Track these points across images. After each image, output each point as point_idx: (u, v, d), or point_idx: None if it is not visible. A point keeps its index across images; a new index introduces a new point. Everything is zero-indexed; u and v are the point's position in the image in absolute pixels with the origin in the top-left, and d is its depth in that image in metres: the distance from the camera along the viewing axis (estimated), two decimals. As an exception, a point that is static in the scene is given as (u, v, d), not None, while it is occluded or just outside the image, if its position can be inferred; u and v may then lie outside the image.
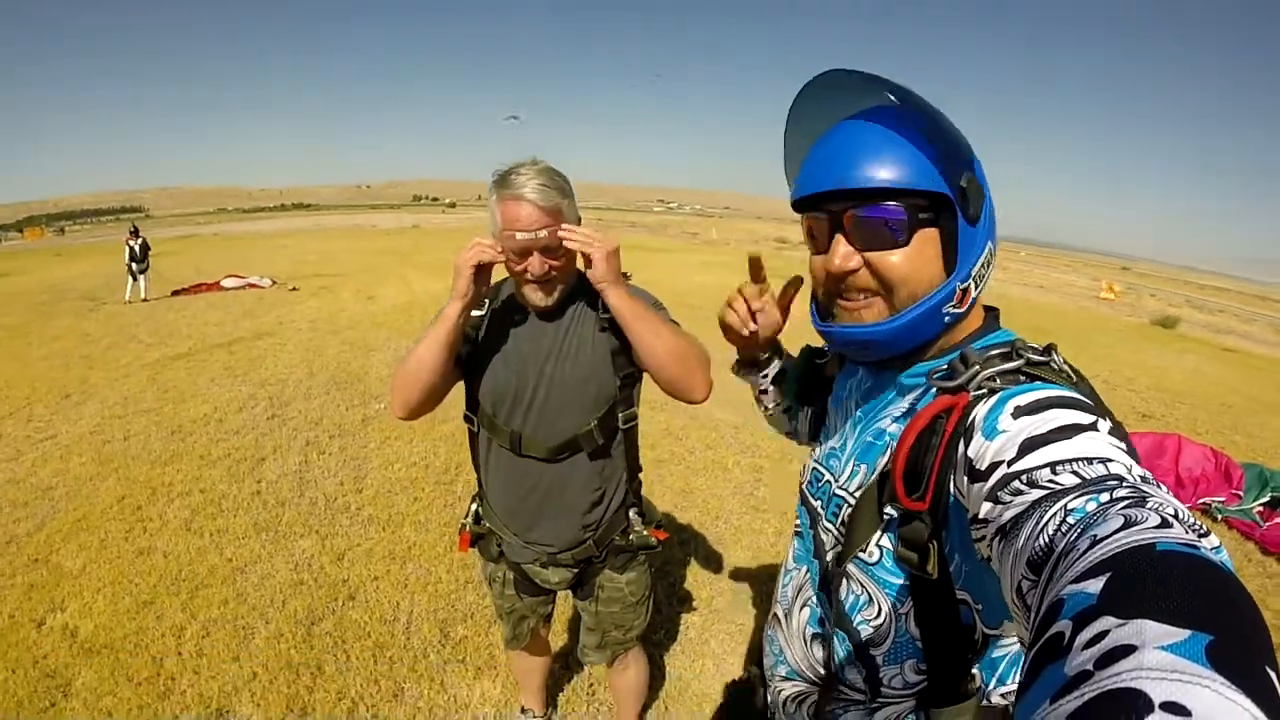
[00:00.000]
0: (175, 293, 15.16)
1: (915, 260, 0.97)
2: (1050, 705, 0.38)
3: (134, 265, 14.86)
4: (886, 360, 1.09)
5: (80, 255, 31.95)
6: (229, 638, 3.19)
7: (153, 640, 3.17)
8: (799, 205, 1.06)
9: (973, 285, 0.99)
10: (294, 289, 15.41)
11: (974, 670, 1.04)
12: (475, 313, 1.86)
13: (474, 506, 2.13)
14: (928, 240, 0.97)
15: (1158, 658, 0.36)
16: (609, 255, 1.66)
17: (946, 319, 1.00)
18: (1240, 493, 4.88)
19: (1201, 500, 4.83)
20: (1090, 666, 0.38)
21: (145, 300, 14.20)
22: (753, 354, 1.51)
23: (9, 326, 11.32)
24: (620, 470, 1.99)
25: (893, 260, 0.97)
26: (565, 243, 1.65)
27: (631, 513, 2.05)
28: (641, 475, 2.13)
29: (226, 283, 15.83)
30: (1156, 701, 0.33)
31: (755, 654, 3.20)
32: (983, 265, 0.99)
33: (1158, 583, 0.43)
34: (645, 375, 1.88)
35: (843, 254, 1.00)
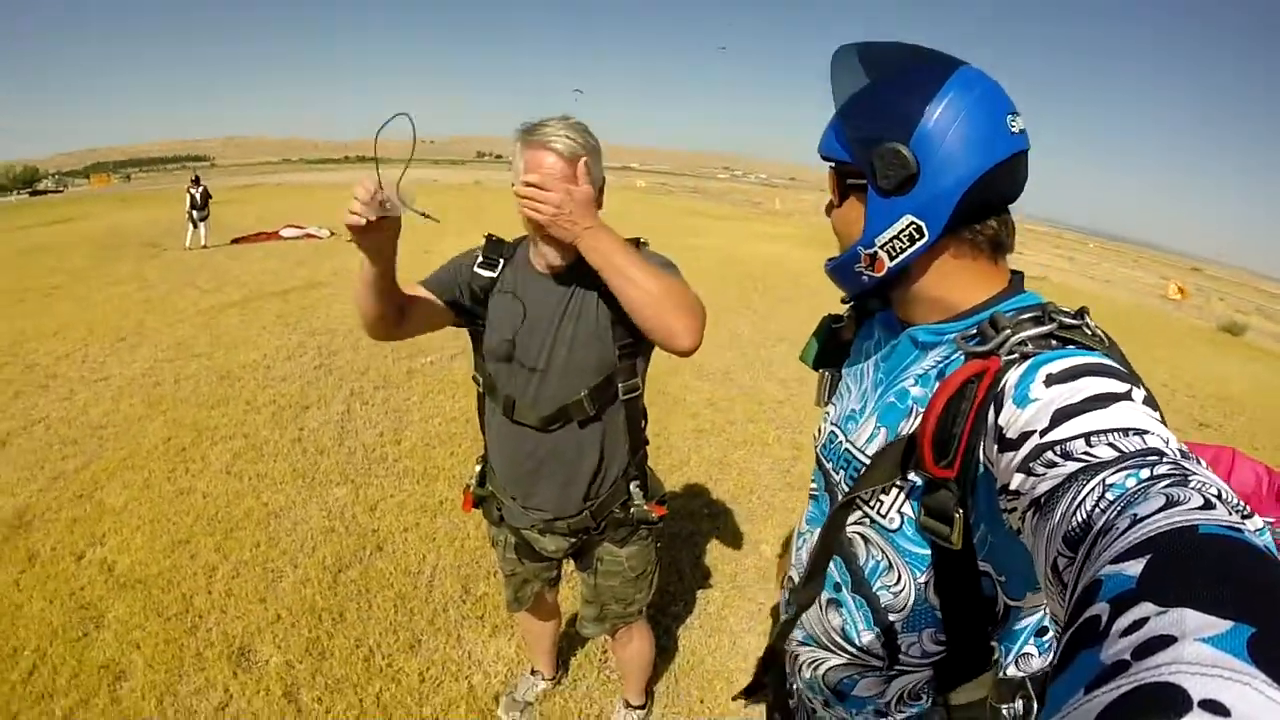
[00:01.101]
0: (235, 241, 15.41)
1: (843, 219, 1.08)
2: (1085, 695, 0.37)
3: (194, 213, 15.08)
4: (903, 317, 1.12)
5: (145, 202, 32.74)
6: (257, 580, 3.25)
7: (185, 578, 3.25)
8: None
9: (884, 255, 1.01)
10: (350, 240, 15.58)
11: (994, 642, 1.04)
12: (486, 273, 1.84)
13: (479, 468, 2.11)
14: (853, 204, 1.04)
15: (1197, 651, 0.34)
16: (561, 209, 1.53)
17: (864, 279, 1.07)
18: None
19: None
20: (1128, 656, 0.37)
21: (205, 247, 14.46)
22: None
23: (72, 270, 11.62)
24: (621, 442, 1.93)
25: (834, 215, 1.11)
26: (521, 203, 1.58)
27: (632, 485, 1.99)
28: (647, 448, 2.07)
29: (285, 232, 16.04)
30: (1195, 699, 0.31)
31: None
32: (897, 238, 0.99)
33: (1199, 568, 0.41)
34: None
35: (826, 206, 1.14)
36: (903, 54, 1.00)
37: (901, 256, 1.00)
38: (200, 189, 15.43)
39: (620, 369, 1.82)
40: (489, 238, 1.91)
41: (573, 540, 2.01)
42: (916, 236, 0.97)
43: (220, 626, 2.94)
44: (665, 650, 2.92)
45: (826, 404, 1.36)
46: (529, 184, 1.54)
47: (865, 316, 1.30)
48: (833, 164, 1.06)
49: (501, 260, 1.85)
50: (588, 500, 1.92)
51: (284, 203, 27.18)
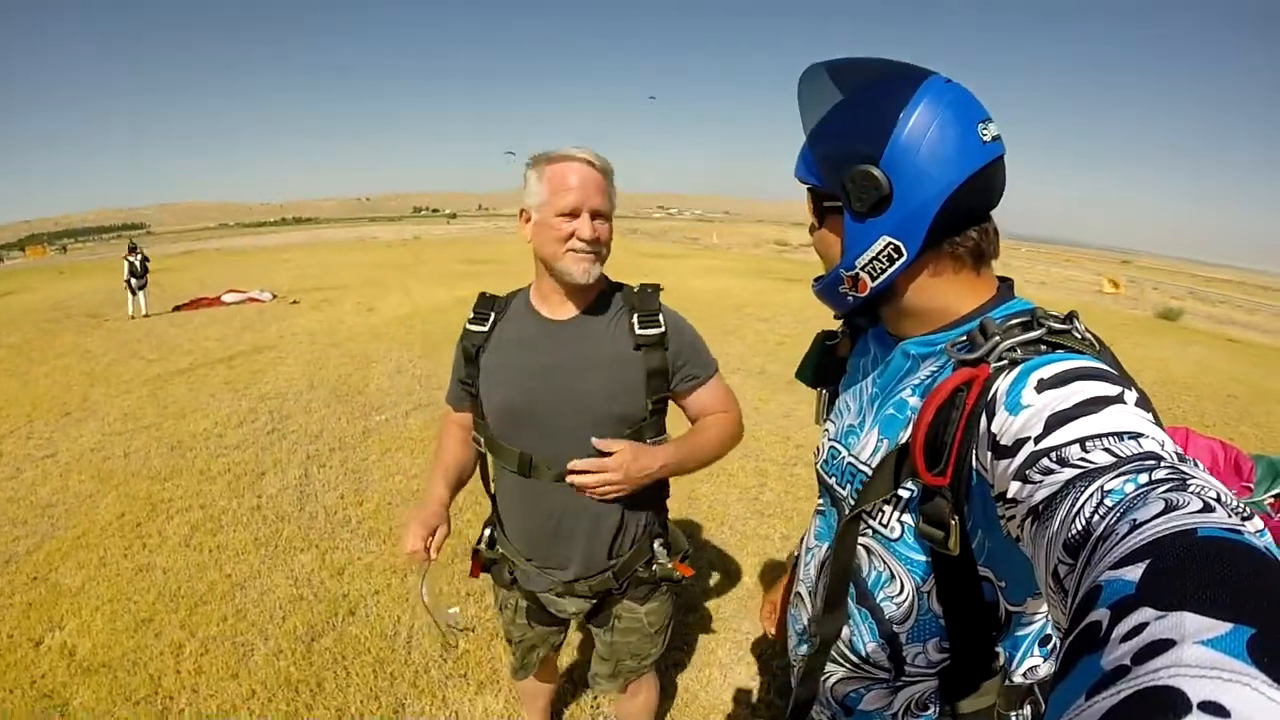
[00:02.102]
0: (177, 308, 15.18)
1: (823, 241, 1.09)
2: (1085, 701, 0.37)
3: (133, 281, 14.85)
4: (894, 331, 1.13)
5: (82, 272, 32.02)
6: (228, 655, 3.16)
7: (151, 658, 3.14)
8: None
9: (865, 276, 1.02)
10: (294, 302, 15.41)
11: (998, 649, 1.05)
12: (478, 328, 1.80)
13: (487, 531, 2.01)
14: (833, 225, 1.05)
15: (1197, 653, 0.34)
16: (626, 478, 1.64)
17: (850, 299, 1.08)
18: (1251, 485, 4.84)
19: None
20: (1128, 661, 0.37)
21: (147, 316, 14.22)
22: None
23: (12, 345, 11.28)
24: (646, 498, 1.83)
25: (815, 239, 1.12)
26: (575, 479, 1.66)
27: (656, 544, 1.91)
28: (669, 503, 2.02)
29: (227, 297, 15.84)
30: (1194, 701, 0.32)
31: (764, 662, 3.16)
32: (876, 259, 0.99)
33: (1198, 571, 0.41)
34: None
35: (809, 228, 1.15)
36: (868, 71, 1.01)
37: (883, 277, 1.00)
38: (138, 256, 15.21)
39: (649, 423, 1.76)
40: (481, 295, 1.89)
41: (593, 601, 1.91)
42: (895, 256, 0.98)
43: (193, 707, 2.85)
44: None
45: (825, 421, 1.36)
46: (576, 470, 1.63)
47: (859, 333, 1.31)
48: (806, 187, 1.08)
49: (493, 314, 1.81)
50: (611, 560, 1.83)
51: (224, 268, 26.86)
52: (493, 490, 1.97)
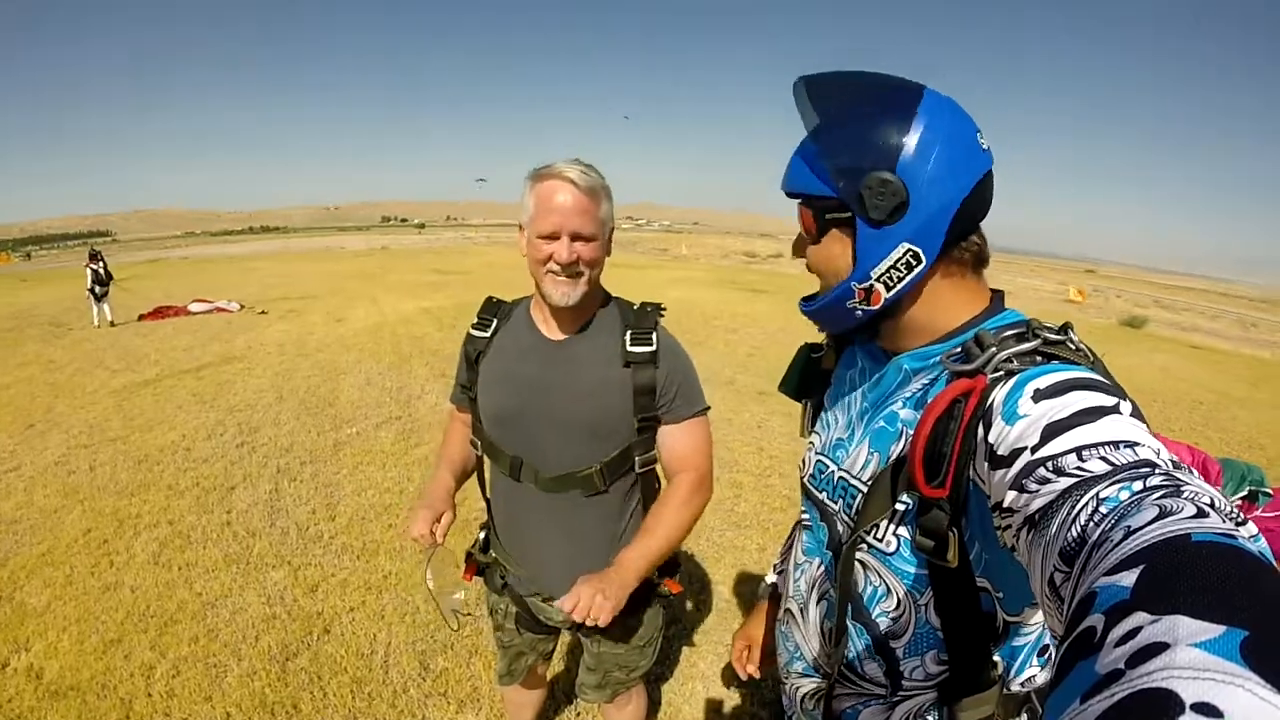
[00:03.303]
0: (142, 317, 14.97)
1: (824, 255, 1.06)
2: (1080, 705, 0.37)
3: (96, 289, 14.64)
4: (889, 345, 1.13)
5: (47, 280, 31.50)
6: (200, 676, 3.10)
7: (121, 681, 3.07)
8: None
9: (880, 287, 1.01)
10: (262, 312, 15.25)
11: (995, 658, 1.05)
12: (479, 334, 1.82)
13: (482, 534, 2.03)
14: (837, 239, 1.02)
15: (1190, 656, 0.35)
16: (612, 611, 1.48)
17: (858, 314, 1.06)
18: (1219, 489, 4.96)
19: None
20: (1122, 665, 0.37)
21: (113, 325, 14.01)
22: None
23: (-29, 355, 11.06)
24: (637, 513, 1.84)
25: (811, 252, 1.09)
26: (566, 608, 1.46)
27: None
28: None
29: (194, 307, 15.65)
30: (1188, 702, 0.32)
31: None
32: (894, 267, 0.98)
33: (1192, 575, 0.41)
34: None
35: (793, 246, 1.15)
36: (865, 82, 1.01)
37: (899, 285, 1.00)
38: (100, 264, 14.99)
39: (638, 442, 1.75)
40: (487, 299, 1.89)
41: None
42: (914, 263, 0.97)
43: (165, 730, 2.79)
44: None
45: (811, 434, 1.36)
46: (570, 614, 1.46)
47: (845, 344, 1.31)
48: (803, 200, 1.06)
49: (495, 320, 1.83)
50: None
51: (190, 277, 26.57)
52: (488, 494, 1.97)
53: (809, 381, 1.38)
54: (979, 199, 0.97)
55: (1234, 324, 32.10)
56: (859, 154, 0.96)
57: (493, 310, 1.86)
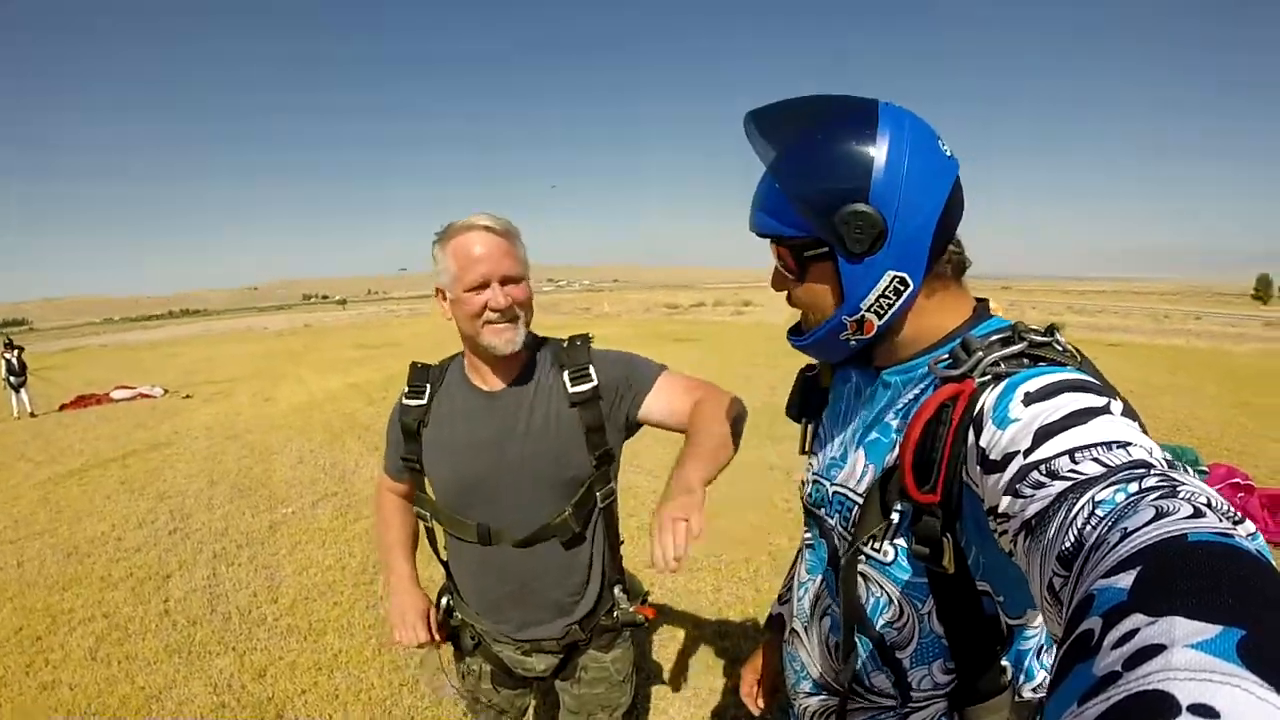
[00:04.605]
0: (63, 407, 14.53)
1: (811, 292, 1.05)
2: (1078, 707, 0.37)
3: (12, 379, 14.26)
4: (879, 362, 1.13)
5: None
6: (150, 773, 3.00)
7: (64, 785, 2.96)
8: None
9: (872, 317, 1.00)
10: (187, 396, 14.96)
11: (1003, 663, 1.04)
12: (415, 403, 1.78)
13: (445, 600, 1.96)
14: (821, 273, 1.02)
15: (1187, 657, 0.35)
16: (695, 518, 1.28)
17: (852, 344, 1.06)
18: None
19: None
20: (1119, 667, 0.37)
21: (33, 415, 13.58)
22: None
23: (-118, 453, 10.60)
24: (602, 550, 1.84)
25: (796, 291, 1.08)
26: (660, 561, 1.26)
27: (616, 590, 1.89)
28: (623, 549, 1.97)
29: (116, 394, 15.24)
30: (1184, 704, 0.32)
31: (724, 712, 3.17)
32: (883, 295, 0.98)
33: (1188, 576, 0.41)
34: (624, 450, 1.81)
35: (773, 281, 1.13)
36: (816, 107, 1.00)
37: (890, 312, 0.99)
38: (15, 353, 14.58)
39: (596, 477, 1.74)
40: (413, 365, 1.84)
41: (560, 656, 1.90)
42: (902, 288, 0.97)
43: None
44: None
45: (810, 454, 1.35)
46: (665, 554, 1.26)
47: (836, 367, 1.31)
48: (776, 240, 1.05)
49: (428, 385, 1.79)
50: (576, 617, 1.83)
51: (111, 364, 25.84)
52: (444, 558, 1.95)
53: (808, 402, 1.35)
54: (952, 209, 0.96)
55: (1145, 318, 33.62)
56: (827, 188, 0.94)
57: (422, 376, 1.82)
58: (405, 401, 1.80)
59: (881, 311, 0.99)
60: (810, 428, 1.35)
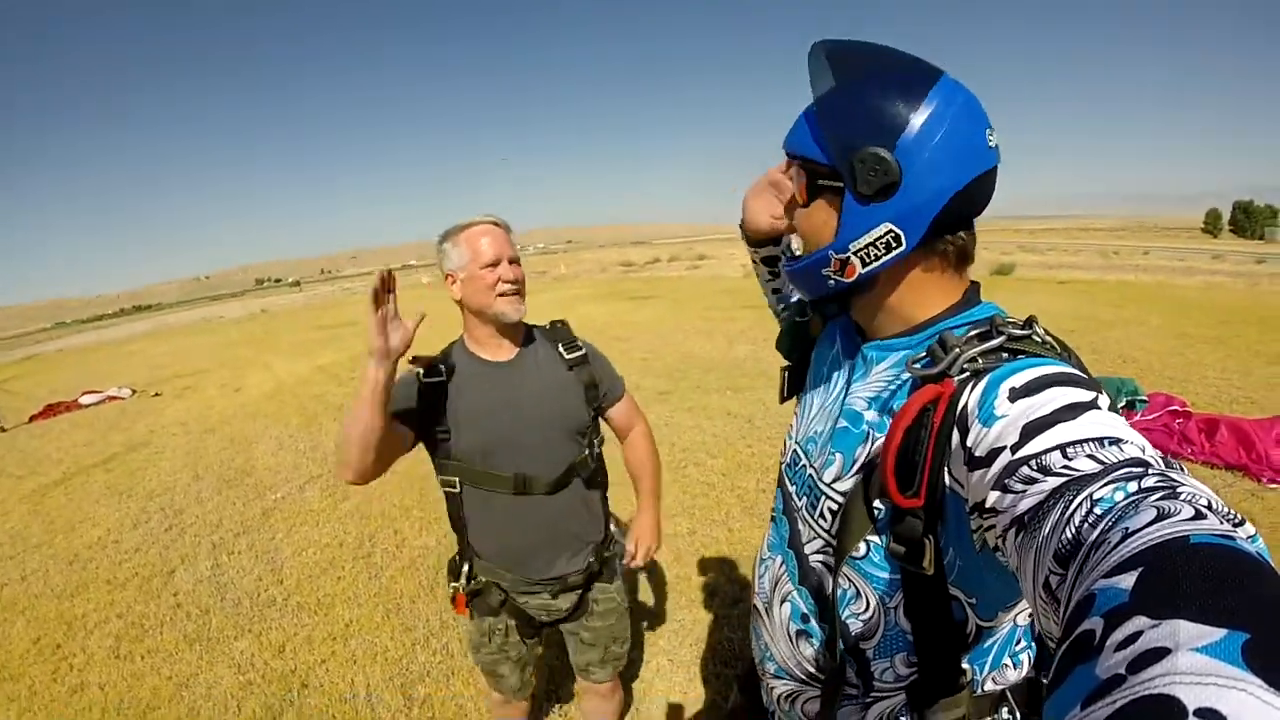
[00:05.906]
0: (33, 418, 14.36)
1: (811, 219, 1.05)
2: (1081, 711, 0.38)
3: (-24, 395, 14.00)
4: (860, 322, 1.15)
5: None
6: (192, 756, 3.18)
7: (115, 775, 3.13)
8: None
9: (856, 261, 0.99)
10: (156, 394, 14.75)
11: (965, 664, 1.04)
12: (436, 380, 1.99)
13: (465, 568, 2.13)
14: (824, 206, 1.01)
15: (1191, 661, 0.35)
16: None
17: (831, 283, 1.04)
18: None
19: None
20: (1123, 670, 0.38)
21: (4, 430, 13.41)
22: None
23: None
24: (602, 486, 2.26)
25: (798, 216, 1.08)
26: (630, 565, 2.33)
27: (611, 525, 2.32)
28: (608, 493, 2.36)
29: (85, 399, 15.04)
30: (1190, 708, 0.32)
31: (707, 643, 3.40)
32: (873, 245, 0.97)
33: (1191, 578, 0.41)
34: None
35: (785, 205, 1.18)
36: (885, 56, 0.98)
37: (875, 264, 0.98)
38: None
39: (592, 428, 2.18)
40: (415, 359, 1.93)
41: (580, 590, 2.20)
42: (893, 245, 0.96)
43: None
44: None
45: (791, 407, 1.39)
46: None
47: (827, 318, 1.32)
48: (799, 161, 1.04)
49: (443, 368, 2.00)
50: (595, 549, 2.21)
51: (73, 369, 25.21)
52: (464, 526, 2.11)
53: (795, 345, 1.38)
54: (972, 196, 0.95)
55: (1094, 256, 34.41)
56: (860, 126, 0.94)
57: (433, 363, 1.99)
58: (427, 381, 1.99)
59: (867, 260, 0.98)
60: (789, 375, 1.38)
